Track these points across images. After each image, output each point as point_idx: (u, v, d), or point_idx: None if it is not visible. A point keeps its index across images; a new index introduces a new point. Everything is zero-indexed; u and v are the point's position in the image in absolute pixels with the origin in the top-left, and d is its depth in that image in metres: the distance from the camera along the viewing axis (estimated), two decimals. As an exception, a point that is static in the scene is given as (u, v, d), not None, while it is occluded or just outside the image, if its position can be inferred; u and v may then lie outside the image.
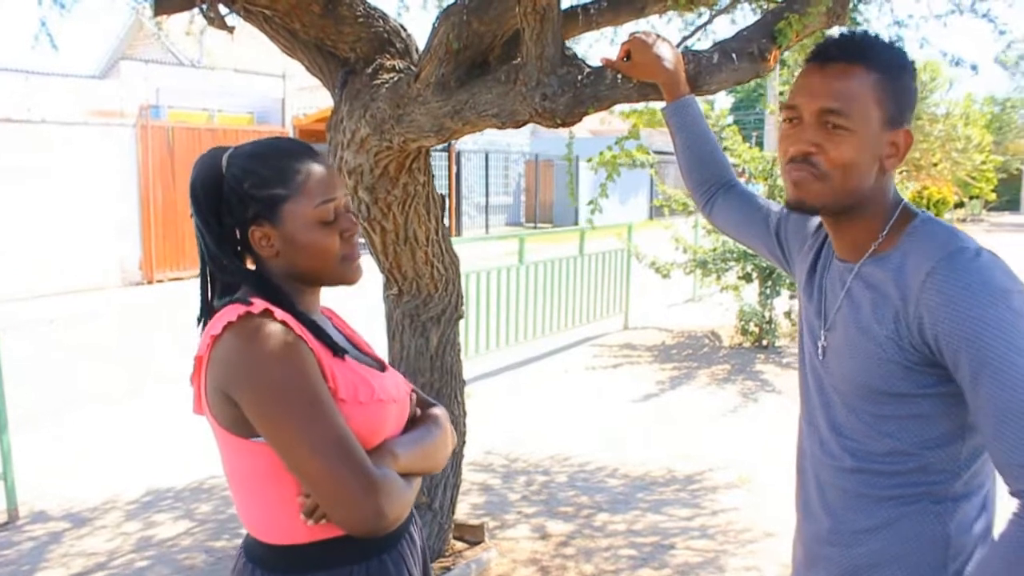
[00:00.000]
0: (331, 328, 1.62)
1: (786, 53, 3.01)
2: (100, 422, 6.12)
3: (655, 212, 24.77)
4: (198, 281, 1.55)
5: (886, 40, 1.45)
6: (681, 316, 10.50)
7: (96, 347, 8.69)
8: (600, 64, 2.07)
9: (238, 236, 1.52)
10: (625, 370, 7.75)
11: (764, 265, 8.33)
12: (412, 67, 2.92)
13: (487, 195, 22.12)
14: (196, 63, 16.83)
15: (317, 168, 1.50)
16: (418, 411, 1.66)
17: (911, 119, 1.45)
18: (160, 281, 13.78)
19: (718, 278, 8.64)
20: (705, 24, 2.50)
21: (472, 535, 3.92)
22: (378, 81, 2.83)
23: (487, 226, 21.54)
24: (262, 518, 1.47)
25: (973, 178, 14.32)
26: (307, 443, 1.34)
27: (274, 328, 1.37)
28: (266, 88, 15.98)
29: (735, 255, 8.56)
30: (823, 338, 1.52)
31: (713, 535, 4.09)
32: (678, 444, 5.52)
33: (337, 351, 1.48)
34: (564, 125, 2.12)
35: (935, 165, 12.86)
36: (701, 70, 2.00)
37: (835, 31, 2.36)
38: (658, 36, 2.02)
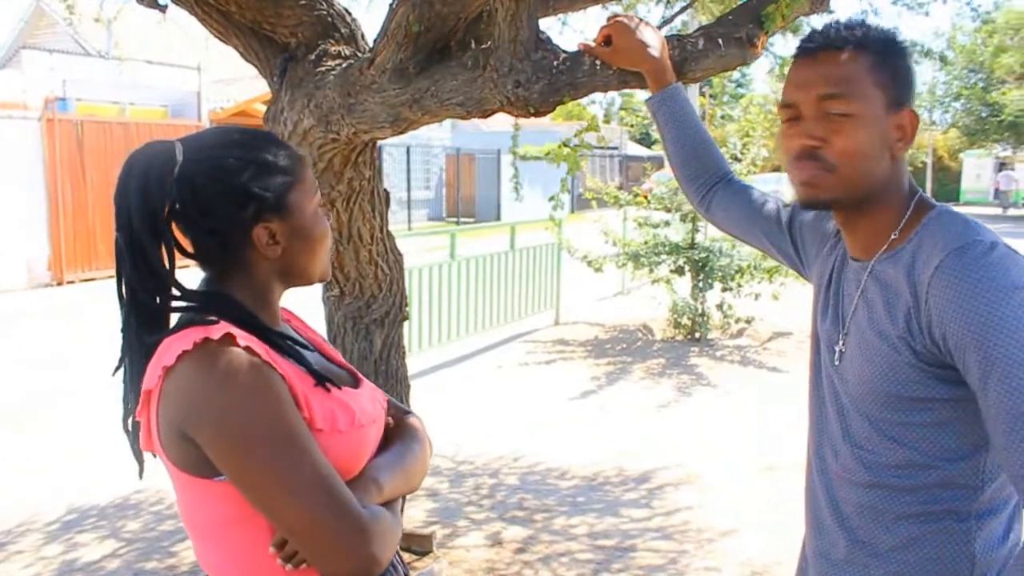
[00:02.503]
0: (299, 339, 1.43)
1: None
2: (9, 436, 5.71)
3: (578, 205, 24.86)
4: (119, 313, 1.28)
5: (875, 24, 1.36)
6: (611, 310, 10.47)
7: (1, 354, 8.17)
8: (577, 49, 1.92)
9: (211, 245, 1.29)
10: (560, 366, 7.65)
11: (697, 258, 8.33)
12: (359, 54, 2.72)
13: (408, 190, 21.78)
14: (105, 54, 16.08)
15: (296, 153, 1.34)
16: (390, 421, 1.49)
17: (913, 99, 1.36)
18: (71, 282, 13.11)
19: (651, 271, 8.61)
20: (688, 5, 2.36)
21: (420, 545, 3.74)
22: (323, 68, 2.62)
23: (409, 221, 21.22)
24: (229, 566, 1.27)
25: None
26: (284, 487, 1.16)
27: (238, 355, 1.17)
28: (180, 81, 15.39)
29: (667, 248, 8.55)
30: (841, 343, 1.41)
31: (672, 535, 4.00)
32: (623, 441, 5.43)
33: (319, 380, 1.29)
34: (537, 115, 1.96)
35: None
36: (687, 56, 1.87)
37: (816, 22, 2.29)
38: (641, 20, 1.88)
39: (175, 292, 1.26)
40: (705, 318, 8.53)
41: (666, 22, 2.28)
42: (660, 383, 6.98)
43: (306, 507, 1.16)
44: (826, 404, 1.45)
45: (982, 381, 1.16)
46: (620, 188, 10.51)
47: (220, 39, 2.91)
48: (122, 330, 1.27)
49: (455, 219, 23.97)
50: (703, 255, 8.30)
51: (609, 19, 1.92)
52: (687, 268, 8.50)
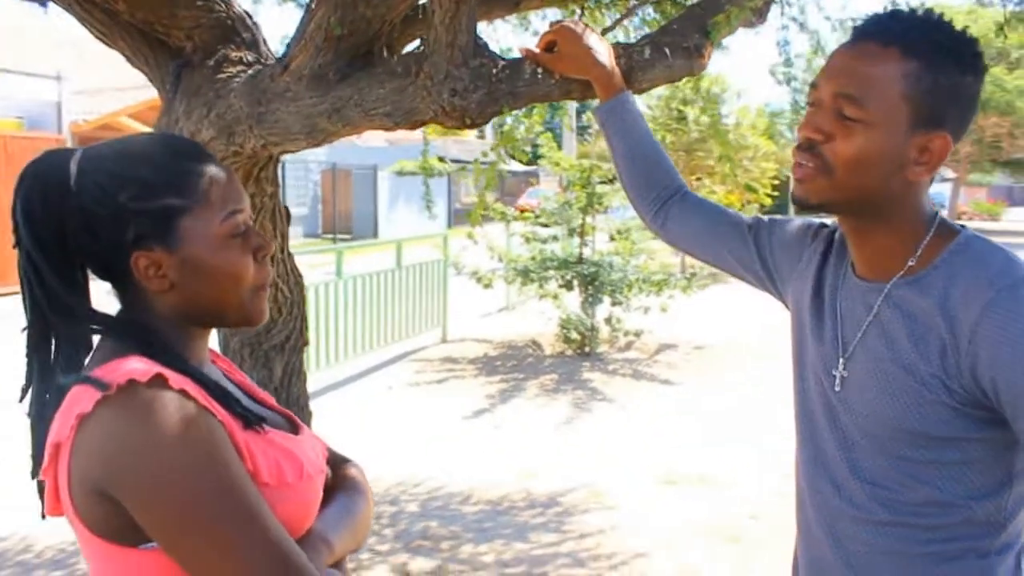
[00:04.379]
0: (229, 383, 1.24)
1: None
2: None
3: (454, 220, 24.80)
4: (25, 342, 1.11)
5: (946, 24, 1.21)
6: (497, 326, 10.38)
7: None
8: (518, 56, 1.80)
9: (96, 269, 1.13)
10: (452, 385, 7.50)
11: (586, 272, 8.34)
12: (263, 60, 2.52)
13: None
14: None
15: (216, 169, 1.14)
16: (328, 472, 1.32)
17: (957, 124, 1.22)
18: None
19: (540, 286, 8.56)
20: (631, 10, 2.27)
21: (323, 583, 3.52)
22: (224, 75, 2.41)
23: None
24: None
25: (752, 188, 15.18)
26: (232, 556, 0.98)
27: (171, 400, 0.99)
28: (38, 90, 14.42)
29: (555, 263, 8.53)
30: (841, 366, 1.30)
31: (584, 560, 3.90)
32: (525, 461, 5.31)
33: (249, 421, 1.11)
34: (474, 126, 1.82)
35: (729, 172, 13.59)
36: (634, 66, 1.78)
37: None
38: (587, 26, 1.77)
39: (79, 315, 1.09)
40: (595, 332, 8.55)
41: (607, 29, 2.19)
42: (556, 399, 6.91)
43: (264, 573, 0.99)
44: (822, 434, 1.34)
45: None
46: (496, 202, 10.46)
47: (104, 41, 2.65)
48: (27, 355, 1.11)
49: (331, 236, 23.45)
50: (593, 269, 8.32)
51: (552, 24, 1.81)
52: (576, 283, 8.51)
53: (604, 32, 1.93)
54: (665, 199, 1.72)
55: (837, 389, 1.31)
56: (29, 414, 1.11)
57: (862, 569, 1.30)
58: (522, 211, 9.09)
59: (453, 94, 1.74)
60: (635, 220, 9.31)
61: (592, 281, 8.33)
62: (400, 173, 27.12)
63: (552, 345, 8.94)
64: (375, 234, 23.93)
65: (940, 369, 1.17)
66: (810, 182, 1.24)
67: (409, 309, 8.82)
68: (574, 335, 8.57)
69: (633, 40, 1.90)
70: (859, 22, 1.25)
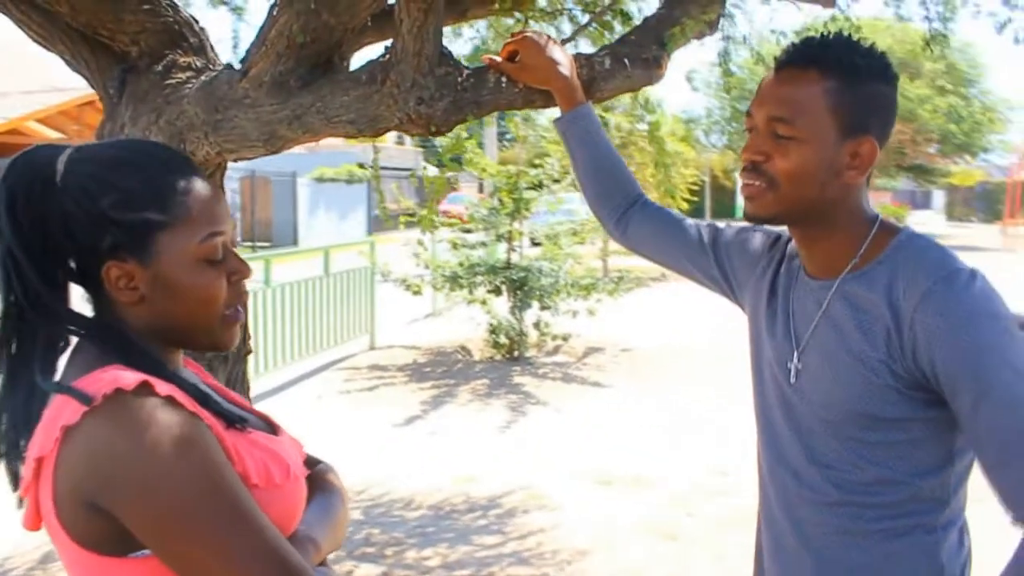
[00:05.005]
0: (205, 387, 1.24)
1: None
2: None
3: (374, 227, 24.61)
4: None
5: (854, 42, 1.35)
6: (424, 332, 10.37)
7: None
8: (481, 65, 1.83)
9: (73, 271, 1.12)
10: (383, 392, 7.47)
11: (515, 278, 8.41)
12: (212, 66, 2.50)
13: None
14: None
15: (202, 187, 1.13)
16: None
17: (881, 127, 1.35)
18: None
19: (470, 292, 8.59)
20: (587, 24, 2.32)
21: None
22: (174, 81, 2.38)
23: None
24: None
25: (671, 194, 15.49)
26: (233, 560, 0.98)
27: (160, 408, 0.99)
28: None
29: (484, 269, 8.57)
30: (796, 359, 1.41)
31: (528, 559, 3.95)
32: (462, 466, 5.33)
33: (232, 421, 1.12)
34: (438, 133, 1.85)
35: (653, 178, 13.89)
36: (595, 76, 1.83)
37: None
38: (549, 37, 1.82)
39: (58, 314, 1.08)
40: (524, 337, 8.62)
41: (567, 40, 2.24)
42: (490, 404, 6.95)
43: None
44: (779, 425, 1.44)
45: (974, 406, 1.19)
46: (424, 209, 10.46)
47: (42, 44, 2.58)
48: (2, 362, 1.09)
49: (251, 243, 23.03)
50: (522, 274, 8.39)
51: (514, 35, 1.85)
52: (504, 288, 8.56)
53: (564, 43, 1.97)
54: (626, 207, 1.80)
55: (792, 381, 1.41)
56: (6, 419, 1.07)
57: (819, 550, 1.39)
58: (449, 217, 9.10)
59: (419, 102, 1.77)
60: (563, 225, 9.43)
61: (521, 286, 8.40)
62: (320, 180, 26.83)
63: (481, 350, 8.97)
64: (295, 242, 23.62)
65: (886, 355, 1.27)
66: (760, 198, 1.36)
67: (337, 317, 8.75)
68: (503, 340, 8.62)
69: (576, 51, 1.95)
70: (778, 54, 1.37)
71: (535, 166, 8.90)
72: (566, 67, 1.77)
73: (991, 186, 36.65)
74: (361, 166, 27.57)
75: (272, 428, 1.29)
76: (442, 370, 8.29)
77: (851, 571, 1.37)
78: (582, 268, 9.64)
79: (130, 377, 0.99)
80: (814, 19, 2.95)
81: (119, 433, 0.96)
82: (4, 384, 1.08)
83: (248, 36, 3.47)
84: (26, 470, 1.02)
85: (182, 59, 2.45)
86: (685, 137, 16.10)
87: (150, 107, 2.40)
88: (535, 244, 9.39)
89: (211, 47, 2.59)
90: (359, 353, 9.14)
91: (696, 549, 4.05)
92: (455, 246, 8.95)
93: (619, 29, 2.56)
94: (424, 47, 1.74)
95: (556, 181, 8.80)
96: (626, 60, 1.83)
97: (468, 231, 9.08)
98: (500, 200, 8.68)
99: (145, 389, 0.99)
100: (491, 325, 8.59)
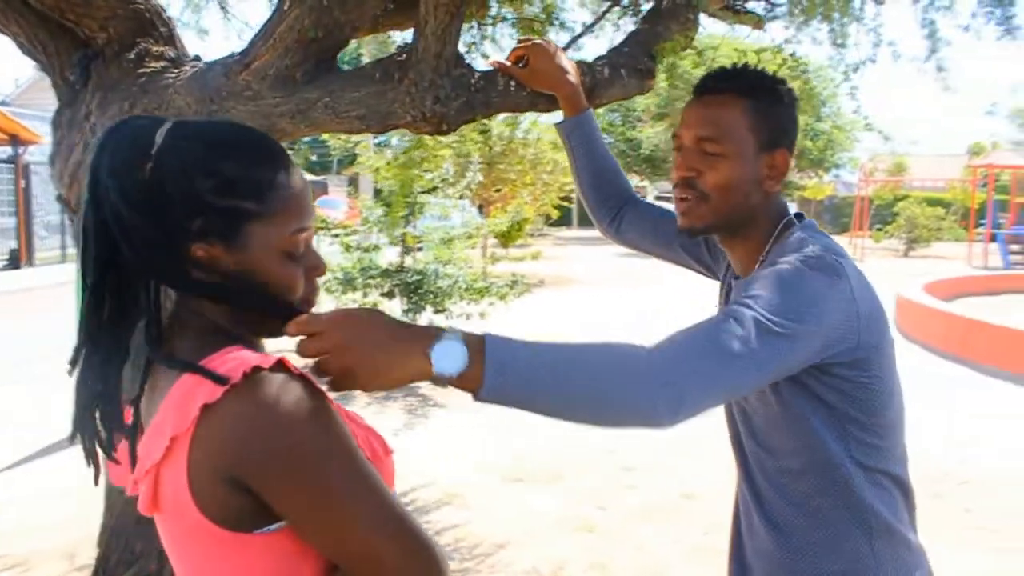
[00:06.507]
0: None
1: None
2: None
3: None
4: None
5: (762, 71, 1.56)
6: (311, 335, 10.20)
7: None
8: (490, 68, 1.93)
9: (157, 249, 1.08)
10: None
11: (409, 281, 8.44)
12: (182, 56, 2.49)
13: (63, 214, 19.33)
14: None
15: (298, 181, 1.13)
16: None
17: (790, 141, 1.55)
18: None
19: (364, 295, 8.56)
20: (585, 31, 2.44)
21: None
22: (148, 70, 2.37)
23: (63, 248, 18.78)
24: None
25: (540, 201, 15.84)
26: (372, 530, 1.03)
27: (298, 385, 1.02)
28: None
29: (378, 272, 8.56)
30: None
31: (449, 553, 4.02)
32: (370, 466, 5.34)
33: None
34: (448, 132, 1.94)
35: (529, 185, 14.17)
36: (596, 83, 1.96)
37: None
38: (556, 45, 1.94)
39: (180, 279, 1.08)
40: (420, 340, 8.62)
41: (565, 47, 2.35)
42: (388, 407, 6.97)
43: (394, 540, 1.05)
44: (732, 414, 1.61)
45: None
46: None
47: (-5, 26, 2.51)
48: (87, 328, 1.08)
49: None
50: (417, 278, 8.43)
51: (521, 40, 1.96)
52: (397, 292, 8.58)
53: (564, 49, 2.10)
54: (620, 206, 1.94)
55: None
56: (87, 386, 1.08)
57: (780, 524, 1.52)
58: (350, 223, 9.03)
59: (436, 101, 1.85)
60: (456, 229, 9.53)
61: (416, 290, 8.44)
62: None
63: (372, 353, 8.91)
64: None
65: None
66: (693, 211, 1.53)
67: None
68: (397, 342, 8.59)
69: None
70: (697, 82, 1.57)
71: (428, 170, 8.97)
72: (572, 74, 1.90)
73: (839, 200, 39.03)
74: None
75: None
76: (333, 372, 8.22)
77: (791, 529, 1.50)
78: (472, 272, 9.76)
79: (262, 357, 1.02)
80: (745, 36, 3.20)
81: (261, 409, 0.99)
82: (96, 352, 1.08)
83: (221, 27, 3.44)
84: (152, 449, 1.02)
85: (154, 48, 2.43)
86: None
87: (122, 95, 2.38)
88: (416, 249, 9.36)
89: (179, 39, 2.58)
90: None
91: (615, 540, 4.24)
92: (348, 248, 8.89)
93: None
94: (445, 49, 1.82)
95: (452, 184, 8.89)
96: (622, 70, 1.97)
97: (349, 234, 8.99)
98: (389, 204, 8.70)
99: (281, 367, 1.02)
100: (385, 328, 8.55)
